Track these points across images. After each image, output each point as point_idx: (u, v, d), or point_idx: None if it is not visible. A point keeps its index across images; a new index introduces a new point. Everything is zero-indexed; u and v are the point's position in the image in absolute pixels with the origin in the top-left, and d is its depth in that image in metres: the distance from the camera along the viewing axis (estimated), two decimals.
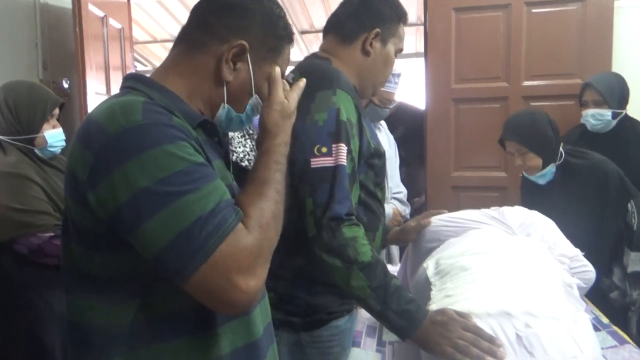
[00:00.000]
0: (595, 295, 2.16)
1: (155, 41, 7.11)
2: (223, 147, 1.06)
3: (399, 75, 2.71)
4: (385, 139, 2.87)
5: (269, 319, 1.10)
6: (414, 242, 1.77)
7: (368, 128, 1.40)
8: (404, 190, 2.92)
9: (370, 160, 1.40)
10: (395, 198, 2.84)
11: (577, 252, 1.60)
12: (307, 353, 1.40)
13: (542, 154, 2.18)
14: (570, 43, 2.81)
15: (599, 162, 2.23)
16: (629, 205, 2.16)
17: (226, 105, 1.01)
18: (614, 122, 2.39)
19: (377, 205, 1.47)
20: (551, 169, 2.19)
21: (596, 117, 2.42)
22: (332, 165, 1.26)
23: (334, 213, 1.23)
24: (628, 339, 1.56)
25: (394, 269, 2.09)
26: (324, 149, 1.26)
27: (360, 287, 1.22)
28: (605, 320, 1.72)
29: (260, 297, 1.06)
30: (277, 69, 1.06)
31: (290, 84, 1.37)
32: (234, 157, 2.57)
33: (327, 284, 1.32)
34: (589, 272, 1.60)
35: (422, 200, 3.04)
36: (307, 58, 1.49)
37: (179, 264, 0.79)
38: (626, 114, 2.42)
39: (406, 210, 2.88)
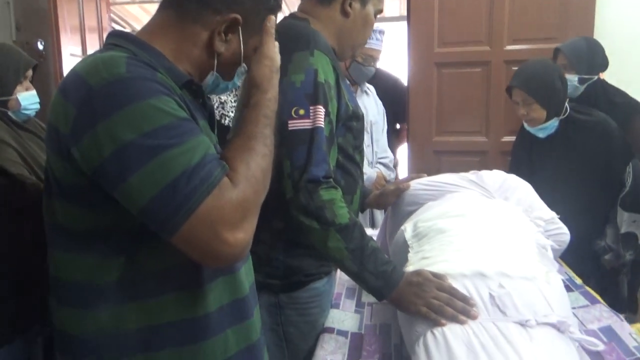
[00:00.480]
0: (589, 257, 2.19)
1: (133, 2, 6.92)
2: (207, 109, 1.05)
3: (382, 32, 2.69)
4: (373, 103, 2.86)
5: (253, 279, 1.11)
6: (394, 205, 1.78)
7: (346, 90, 1.39)
8: (390, 155, 2.93)
9: (348, 122, 1.39)
10: (380, 163, 2.85)
11: (553, 215, 1.63)
12: (286, 314, 1.41)
13: (547, 106, 2.15)
14: (552, 7, 2.79)
15: (603, 120, 2.21)
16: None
17: (216, 74, 1.01)
18: (582, 87, 2.37)
19: (355, 168, 1.47)
20: (554, 122, 2.17)
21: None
22: (310, 127, 1.25)
23: (311, 175, 1.23)
24: (599, 298, 1.60)
25: (376, 232, 2.11)
26: (302, 111, 1.25)
27: (337, 249, 1.23)
28: (578, 281, 1.76)
29: (245, 259, 1.06)
30: (272, 19, 1.04)
31: None
32: (226, 121, 2.55)
33: (305, 246, 1.33)
34: (564, 234, 1.63)
35: (394, 162, 3.07)
36: (285, 19, 1.46)
37: (165, 217, 0.79)
38: (599, 79, 2.40)
39: (391, 175, 2.89)
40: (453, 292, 1.14)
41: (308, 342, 1.43)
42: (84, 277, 0.89)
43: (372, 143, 2.80)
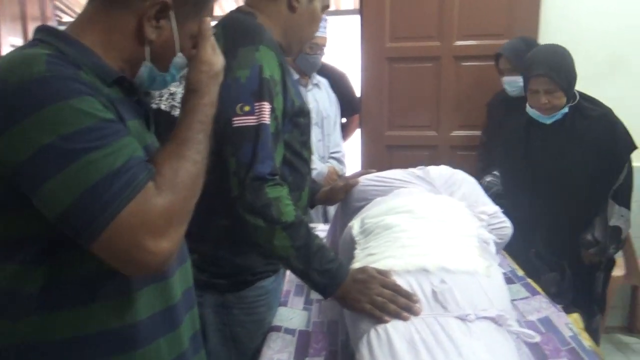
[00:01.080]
0: (572, 249, 2.23)
1: None
2: (142, 107, 1.01)
3: (325, 19, 2.68)
4: (326, 96, 2.86)
5: (189, 284, 1.08)
6: (343, 201, 1.79)
7: (293, 86, 1.38)
8: (343, 150, 2.93)
9: (295, 119, 1.38)
10: (333, 157, 2.85)
11: (496, 209, 1.66)
12: (233, 314, 1.40)
13: (568, 92, 2.13)
14: (499, 5, 2.85)
15: (608, 109, 2.21)
16: None
17: (149, 64, 0.96)
18: None
19: (303, 164, 1.46)
20: (565, 108, 2.15)
21: (511, 84, 2.51)
22: (255, 124, 1.23)
23: (257, 172, 1.21)
24: (539, 290, 1.65)
25: (328, 227, 2.12)
26: (247, 108, 1.24)
27: (283, 247, 1.22)
28: (520, 273, 1.81)
29: (180, 262, 1.04)
30: (208, 22, 1.01)
31: None
32: (176, 113, 2.50)
33: (252, 244, 1.32)
34: (506, 227, 1.67)
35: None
36: (230, 12, 1.44)
37: (83, 224, 0.76)
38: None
39: (343, 169, 2.90)
40: (397, 289, 1.15)
41: (255, 341, 1.42)
42: (6, 285, 0.85)
43: (323, 137, 2.80)
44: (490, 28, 2.88)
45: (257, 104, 1.24)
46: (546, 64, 2.10)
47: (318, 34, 2.61)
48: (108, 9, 0.92)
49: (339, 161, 2.89)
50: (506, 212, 1.63)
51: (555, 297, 2.14)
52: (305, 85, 2.75)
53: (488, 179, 2.47)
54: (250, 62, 1.25)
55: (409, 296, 1.13)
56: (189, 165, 0.88)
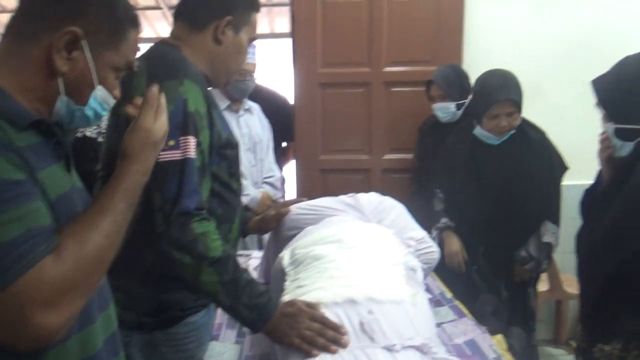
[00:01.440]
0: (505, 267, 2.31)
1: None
2: (64, 148, 0.96)
3: (254, 45, 2.69)
4: (257, 121, 2.85)
5: (112, 330, 1.04)
6: (275, 231, 1.79)
7: (219, 118, 1.38)
8: (277, 173, 2.93)
9: (222, 151, 1.37)
10: (266, 182, 2.84)
11: (424, 235, 1.71)
12: (161, 352, 1.36)
13: (520, 113, 2.24)
14: (425, 33, 2.96)
15: (542, 133, 2.34)
16: None
17: (64, 98, 0.92)
18: (459, 112, 2.61)
19: (232, 196, 1.46)
20: (513, 130, 2.25)
21: (443, 110, 2.62)
22: (180, 158, 1.22)
23: (183, 208, 1.20)
24: (466, 312, 1.71)
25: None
26: (172, 142, 1.22)
27: (210, 283, 1.20)
28: (449, 295, 1.87)
29: (102, 307, 1.00)
30: (155, 90, 0.99)
31: (135, 73, 1.30)
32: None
33: (179, 280, 1.29)
34: (434, 252, 1.72)
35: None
36: (155, 44, 1.42)
37: None
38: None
39: (278, 194, 2.90)
40: (325, 322, 1.16)
41: None
42: None
43: (256, 162, 2.79)
44: (417, 55, 2.98)
45: (182, 138, 1.22)
46: (508, 89, 2.21)
47: (249, 60, 2.63)
48: (18, 46, 0.89)
49: (273, 186, 2.88)
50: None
51: (491, 315, 2.22)
52: (237, 111, 2.75)
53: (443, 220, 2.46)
54: (175, 96, 1.24)
55: (337, 329, 1.14)
56: (99, 238, 0.85)
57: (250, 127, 2.76)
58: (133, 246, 1.31)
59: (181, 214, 1.20)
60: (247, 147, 2.73)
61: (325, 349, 1.10)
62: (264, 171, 2.83)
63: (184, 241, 1.19)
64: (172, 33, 1.44)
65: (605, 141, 1.46)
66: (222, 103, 2.67)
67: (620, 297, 1.37)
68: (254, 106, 2.88)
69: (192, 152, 1.23)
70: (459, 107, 2.60)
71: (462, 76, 2.64)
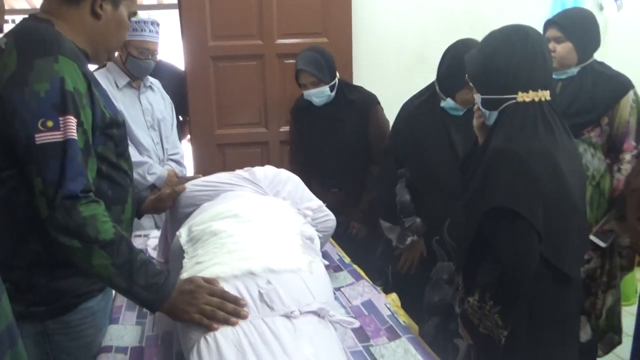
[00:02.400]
0: None
1: None
2: None
3: (156, 23, 2.58)
4: (160, 99, 2.74)
5: (7, 321, 0.99)
6: (172, 209, 1.76)
7: (101, 96, 1.32)
8: (181, 151, 2.83)
9: (107, 130, 1.32)
10: (171, 159, 2.75)
11: (320, 204, 1.77)
12: (56, 341, 1.31)
13: None
14: (315, 3, 2.98)
15: None
16: None
17: None
18: (333, 93, 2.59)
19: (123, 176, 1.41)
20: None
21: (318, 95, 2.55)
22: (61, 139, 1.16)
23: (67, 191, 1.15)
24: (364, 275, 1.80)
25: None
26: (50, 123, 1.16)
27: (103, 266, 1.17)
28: (347, 260, 1.95)
29: None
30: None
31: (3, 51, 1.21)
32: None
33: (71, 266, 1.24)
34: (330, 220, 1.79)
35: None
36: (24, 20, 1.32)
37: None
38: (339, 80, 2.61)
39: (183, 171, 2.82)
40: (224, 296, 1.17)
41: None
42: None
43: (161, 140, 2.69)
44: (308, 27, 3.01)
45: (61, 118, 1.16)
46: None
47: (149, 39, 2.52)
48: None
49: (178, 163, 2.80)
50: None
51: (446, 283, 2.31)
52: (138, 88, 2.62)
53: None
54: (49, 75, 1.17)
55: (236, 301, 1.16)
56: None
57: (152, 104, 2.65)
58: (17, 236, 1.25)
59: (66, 198, 1.15)
60: (150, 125, 2.63)
61: (226, 322, 1.12)
62: (169, 148, 2.74)
63: (72, 226, 1.15)
64: (43, 7, 1.35)
65: (477, 111, 1.57)
66: (122, 80, 2.55)
67: (479, 253, 1.50)
68: (155, 82, 2.76)
69: (73, 133, 1.17)
70: (332, 88, 2.57)
71: (329, 57, 2.59)
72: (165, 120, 2.74)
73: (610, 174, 2.28)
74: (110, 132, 1.34)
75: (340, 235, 2.27)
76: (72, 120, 1.18)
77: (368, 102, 2.64)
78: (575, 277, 1.53)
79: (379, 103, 2.66)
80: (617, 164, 2.26)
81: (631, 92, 2.24)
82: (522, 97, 1.41)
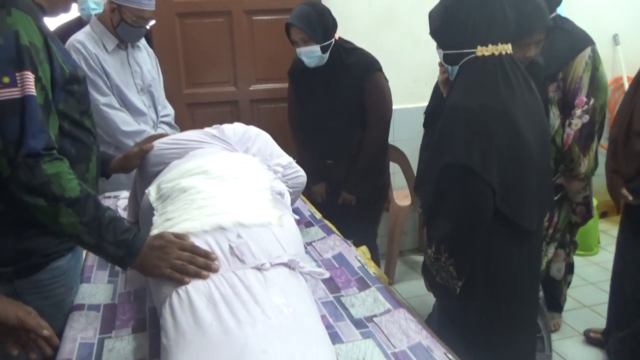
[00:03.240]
0: None
1: None
2: None
3: None
4: (147, 57, 2.63)
5: None
6: (140, 168, 1.74)
7: (60, 51, 1.28)
8: (171, 111, 2.73)
9: (68, 87, 1.29)
10: (163, 122, 2.66)
11: (290, 160, 1.77)
12: (26, 301, 1.30)
13: None
14: None
15: None
16: None
17: None
18: (326, 55, 2.39)
19: (87, 134, 1.39)
20: None
21: (308, 55, 2.38)
22: (19, 96, 1.13)
23: (29, 149, 1.12)
24: (334, 229, 1.82)
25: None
26: (6, 79, 1.12)
27: (70, 224, 1.16)
28: (318, 216, 1.97)
29: None
30: None
31: None
32: None
33: (38, 225, 1.23)
34: (301, 176, 1.79)
35: None
36: None
37: None
38: (338, 42, 2.44)
39: (176, 132, 2.74)
40: (194, 250, 1.18)
41: (56, 325, 1.35)
42: None
43: (153, 104, 2.60)
44: None
45: (18, 74, 1.13)
46: (543, 15, 2.03)
47: (147, 7, 2.37)
48: None
49: (170, 125, 2.69)
50: None
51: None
52: (126, 49, 2.50)
53: None
54: (3, 29, 1.13)
55: (207, 255, 1.17)
56: None
57: (140, 65, 2.52)
58: None
59: (28, 156, 1.12)
60: (140, 89, 2.52)
61: (197, 275, 1.13)
62: (159, 110, 2.64)
63: (36, 184, 1.13)
64: None
65: (441, 66, 1.57)
66: (111, 44, 2.41)
67: (435, 207, 1.53)
68: (143, 41, 2.63)
69: (31, 89, 1.14)
70: (324, 49, 2.37)
71: (324, 14, 2.38)
72: (155, 81, 2.62)
73: (562, 128, 2.33)
74: (71, 88, 1.30)
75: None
76: (30, 76, 1.14)
77: (365, 69, 2.45)
78: (535, 231, 1.57)
79: (379, 69, 2.47)
80: (569, 119, 2.30)
81: (588, 49, 2.26)
82: (482, 51, 1.41)
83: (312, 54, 2.38)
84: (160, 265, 1.17)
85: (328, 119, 2.50)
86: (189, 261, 1.15)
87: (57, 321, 1.35)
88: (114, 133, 2.41)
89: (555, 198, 2.35)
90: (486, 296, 1.53)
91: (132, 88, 2.49)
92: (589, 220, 2.60)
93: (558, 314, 2.75)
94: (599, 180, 2.45)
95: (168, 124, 2.70)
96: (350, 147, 2.55)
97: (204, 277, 1.13)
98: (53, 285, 1.35)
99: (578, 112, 2.27)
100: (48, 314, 1.33)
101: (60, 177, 1.15)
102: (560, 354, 2.50)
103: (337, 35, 2.43)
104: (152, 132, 2.49)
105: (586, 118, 2.26)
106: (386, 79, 2.53)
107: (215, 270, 1.14)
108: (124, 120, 2.41)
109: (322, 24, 2.35)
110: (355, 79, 2.44)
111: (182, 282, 1.13)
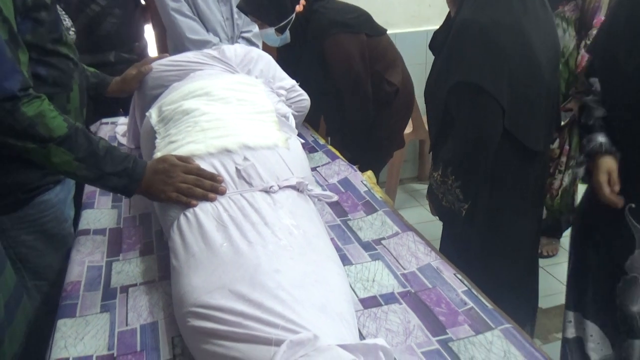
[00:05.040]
0: None
1: None
2: None
3: None
4: None
5: None
6: (138, 90, 1.69)
7: None
8: (256, 28, 2.38)
9: (32, 14, 1.18)
10: (243, 37, 2.49)
11: (293, 83, 1.72)
12: (12, 236, 1.28)
13: None
14: None
15: None
16: None
17: None
18: (285, 35, 2.06)
19: (64, 61, 1.30)
20: None
21: (268, 39, 2.14)
22: None
23: (4, 92, 1.05)
24: (339, 155, 1.79)
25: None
26: None
27: (65, 162, 1.12)
28: (322, 141, 1.94)
29: None
30: None
31: None
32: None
33: (18, 160, 1.18)
34: (304, 100, 1.75)
35: (143, 44, 2.82)
36: None
37: None
38: (298, 13, 2.08)
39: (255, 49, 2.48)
40: (200, 173, 1.15)
41: (49, 257, 1.35)
42: None
43: (231, 15, 2.43)
44: None
45: None
46: None
47: None
48: None
49: (249, 41, 2.52)
50: None
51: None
52: None
53: None
54: None
55: (213, 177, 1.14)
56: None
57: None
58: None
59: (5, 100, 1.05)
60: None
61: (204, 198, 1.11)
62: (241, 24, 2.48)
63: (18, 128, 1.07)
64: None
65: None
66: None
67: (443, 129, 1.50)
68: None
69: None
70: (281, 30, 2.07)
71: None
72: None
73: (577, 50, 2.26)
74: (38, 16, 1.20)
75: None
76: None
77: (320, 36, 2.05)
78: (541, 152, 1.55)
79: (336, 32, 2.04)
80: (585, 39, 2.23)
81: None
82: None
83: (269, 37, 2.14)
84: (166, 189, 1.15)
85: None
86: (195, 184, 1.13)
87: (48, 255, 1.35)
88: (180, 39, 2.34)
89: (565, 122, 2.33)
90: (491, 215, 1.53)
91: None
92: None
93: (556, 239, 2.78)
94: None
95: (247, 39, 2.53)
96: (334, 120, 2.31)
97: (211, 200, 1.11)
98: (42, 220, 1.32)
99: (596, 32, 2.19)
100: (38, 249, 1.33)
101: (44, 116, 1.09)
102: (558, 279, 2.55)
103: (302, 3, 2.07)
104: (223, 45, 2.16)
105: None
106: (359, 38, 2.09)
107: (222, 193, 1.12)
108: (190, 28, 2.34)
109: (273, 5, 2.04)
110: (315, 49, 2.09)
111: (189, 205, 1.11)
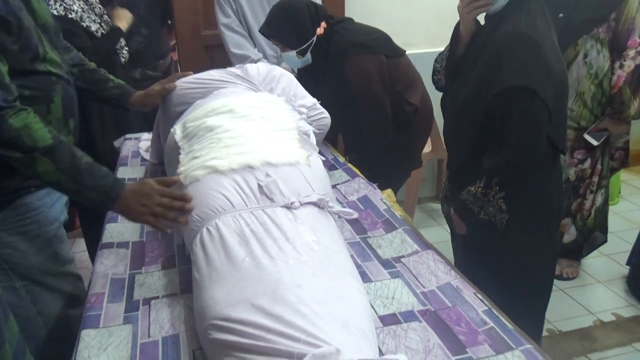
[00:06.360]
0: None
1: None
2: None
3: None
4: None
5: None
6: (162, 107, 1.73)
7: None
8: None
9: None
10: None
11: (314, 102, 1.74)
12: None
13: None
14: None
15: None
16: None
17: None
18: (307, 57, 2.13)
19: (45, 77, 1.35)
20: None
21: (289, 62, 2.19)
22: None
23: None
24: (358, 172, 1.80)
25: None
26: None
27: (48, 172, 1.18)
28: (342, 159, 1.95)
29: None
30: None
31: None
32: (72, 15, 2.11)
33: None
34: (325, 118, 1.77)
35: (167, 62, 2.89)
36: None
37: None
38: (319, 36, 2.10)
39: None
40: (172, 195, 1.21)
41: (32, 258, 1.39)
42: None
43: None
44: None
45: None
46: None
47: None
48: None
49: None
50: None
51: None
52: None
53: None
54: None
55: (183, 198, 1.18)
56: None
57: None
58: None
59: None
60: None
61: (175, 221, 1.17)
62: None
63: (6, 138, 1.14)
64: None
65: (474, 1, 1.53)
66: None
67: (483, 143, 1.53)
68: None
69: None
70: (302, 53, 2.11)
71: (297, 17, 2.06)
72: None
73: (612, 71, 2.26)
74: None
75: None
76: None
77: (340, 57, 2.07)
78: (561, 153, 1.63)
79: (356, 53, 2.06)
80: (620, 60, 2.23)
81: None
82: None
83: (290, 60, 2.16)
84: (142, 211, 1.21)
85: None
86: (170, 206, 1.18)
87: (31, 256, 1.39)
88: (227, 52, 2.50)
89: (598, 143, 2.35)
90: (527, 229, 1.59)
91: (259, 11, 2.47)
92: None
93: (577, 262, 2.75)
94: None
95: None
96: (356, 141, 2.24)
97: (182, 223, 1.16)
98: (23, 222, 1.37)
99: (631, 53, 2.20)
100: (21, 250, 1.37)
101: (29, 128, 1.16)
102: (578, 301, 2.52)
103: (322, 26, 2.10)
104: (261, 60, 2.38)
105: (639, 59, 2.20)
106: (378, 59, 2.10)
107: (189, 210, 1.15)
108: (236, 43, 2.47)
109: (295, 29, 2.07)
110: (335, 70, 2.10)
111: (163, 230, 1.19)
